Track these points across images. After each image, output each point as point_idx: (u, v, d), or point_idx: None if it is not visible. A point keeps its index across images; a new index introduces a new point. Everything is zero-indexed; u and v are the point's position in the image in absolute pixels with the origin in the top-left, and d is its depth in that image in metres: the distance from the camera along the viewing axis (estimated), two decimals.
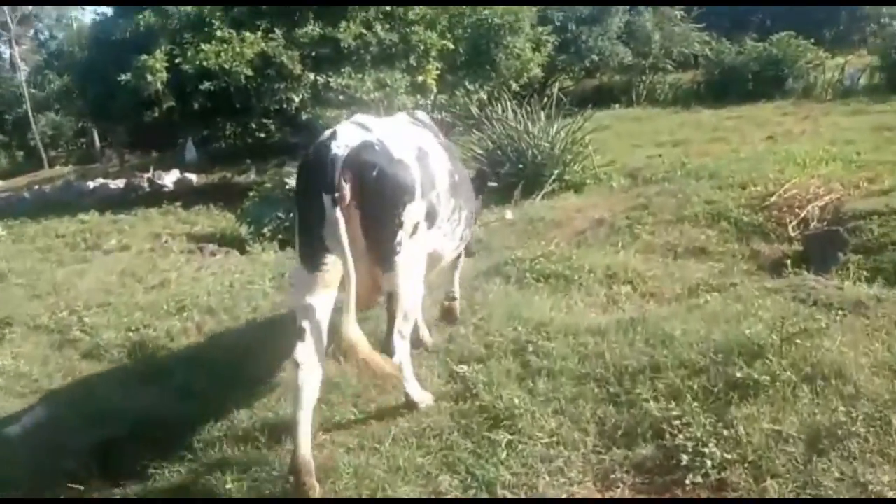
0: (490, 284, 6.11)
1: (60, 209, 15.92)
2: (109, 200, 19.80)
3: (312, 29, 14.52)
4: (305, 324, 3.51)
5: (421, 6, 15.88)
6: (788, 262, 6.17)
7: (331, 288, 3.55)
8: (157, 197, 18.83)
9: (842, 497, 2.86)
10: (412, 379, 4.05)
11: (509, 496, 3.16)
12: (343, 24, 14.61)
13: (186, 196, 17.26)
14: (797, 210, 8.65)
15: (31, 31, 47.05)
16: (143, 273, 8.78)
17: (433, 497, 3.21)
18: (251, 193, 12.61)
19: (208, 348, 5.12)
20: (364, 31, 15.02)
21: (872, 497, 2.83)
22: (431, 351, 4.68)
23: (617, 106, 27.55)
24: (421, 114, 4.97)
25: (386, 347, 3.91)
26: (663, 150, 17.93)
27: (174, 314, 6.43)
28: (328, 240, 3.43)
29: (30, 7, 42.70)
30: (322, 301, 3.55)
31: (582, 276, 5.92)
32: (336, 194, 3.34)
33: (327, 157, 3.44)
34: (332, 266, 3.47)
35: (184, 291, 7.24)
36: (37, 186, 26.10)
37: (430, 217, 3.83)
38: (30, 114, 39.63)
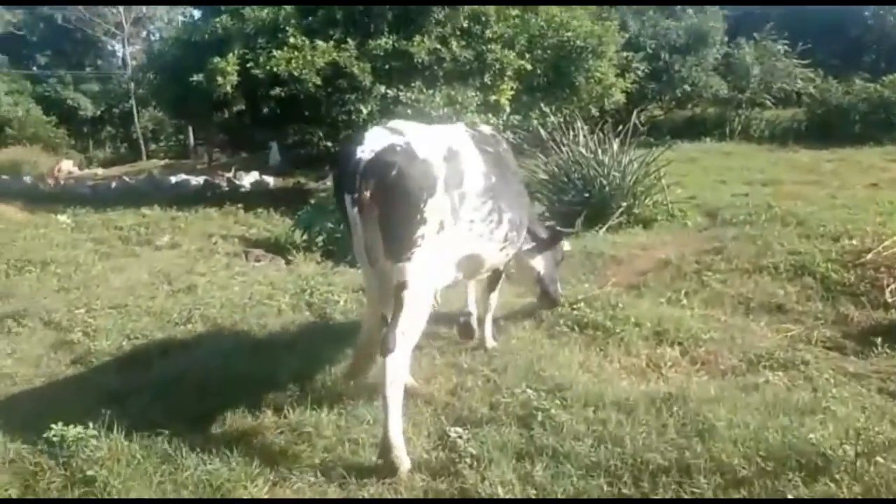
0: (518, 327, 5.40)
1: (135, 200, 16.26)
2: (185, 196, 20.16)
3: (386, 42, 14.24)
4: (385, 312, 3.78)
5: (499, 25, 15.35)
6: (880, 337, 5.12)
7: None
8: (232, 196, 18.95)
9: None
10: (396, 418, 3.54)
11: None
12: (417, 38, 14.25)
13: (261, 198, 17.35)
14: None
15: (144, 32, 49.90)
16: (177, 274, 8.55)
17: None
18: (312, 201, 12.37)
19: (185, 377, 4.58)
20: (439, 46, 14.61)
21: None
22: (426, 402, 4.01)
23: (708, 139, 26.25)
24: (485, 127, 5.13)
25: (384, 343, 3.61)
26: (751, 188, 16.63)
27: (180, 324, 6.05)
28: (356, 235, 3.70)
29: (143, 8, 45.24)
30: (387, 291, 3.79)
31: (625, 330, 5.10)
32: (356, 195, 3.57)
33: (351, 160, 3.67)
34: (375, 258, 3.73)
35: (204, 299, 6.89)
36: (126, 178, 27.24)
37: (456, 216, 3.88)
38: (134, 108, 41.86)
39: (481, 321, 5.10)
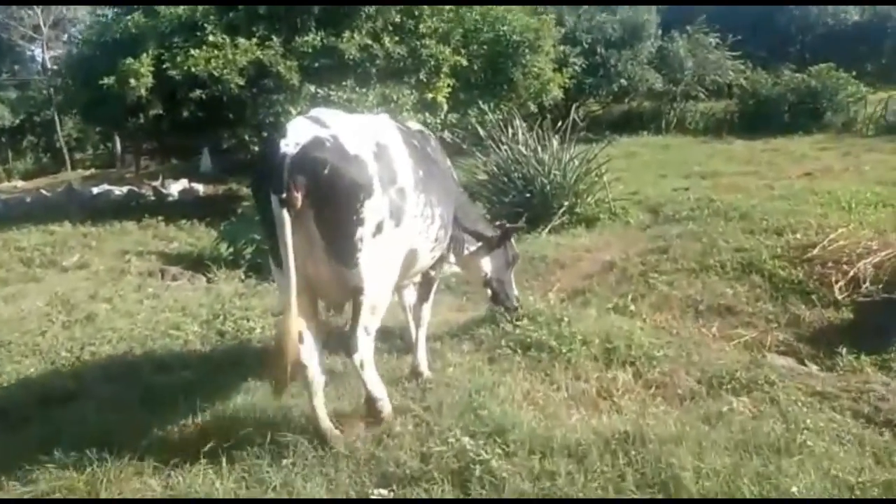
0: (456, 351, 4.85)
1: (44, 217, 15.01)
2: (106, 208, 18.96)
3: (314, 38, 13.46)
4: (301, 325, 3.57)
5: (433, 20, 14.77)
6: (841, 344, 4.79)
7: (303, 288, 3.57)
8: (158, 206, 17.93)
9: None
10: (375, 380, 3.87)
11: None
12: (347, 34, 13.53)
13: (189, 207, 16.34)
14: (845, 267, 7.24)
15: (65, 35, 47.26)
16: (78, 300, 7.67)
17: None
18: (240, 211, 11.51)
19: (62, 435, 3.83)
20: (370, 42, 13.93)
21: None
22: (346, 454, 3.40)
23: (646, 133, 26.44)
24: (412, 122, 4.89)
25: (348, 343, 3.74)
26: (690, 181, 16.62)
27: (67, 365, 5.23)
28: (283, 239, 3.36)
29: (63, 9, 42.77)
30: (305, 300, 3.61)
31: (572, 350, 4.61)
32: (284, 195, 3.29)
33: (276, 156, 3.37)
34: (300, 265, 3.47)
35: (102, 331, 6.10)
36: (44, 190, 25.51)
37: (396, 214, 3.72)
38: (55, 116, 39.53)
39: (414, 342, 4.73)
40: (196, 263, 10.58)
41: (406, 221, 3.81)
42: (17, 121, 41.85)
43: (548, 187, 10.92)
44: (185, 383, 4.64)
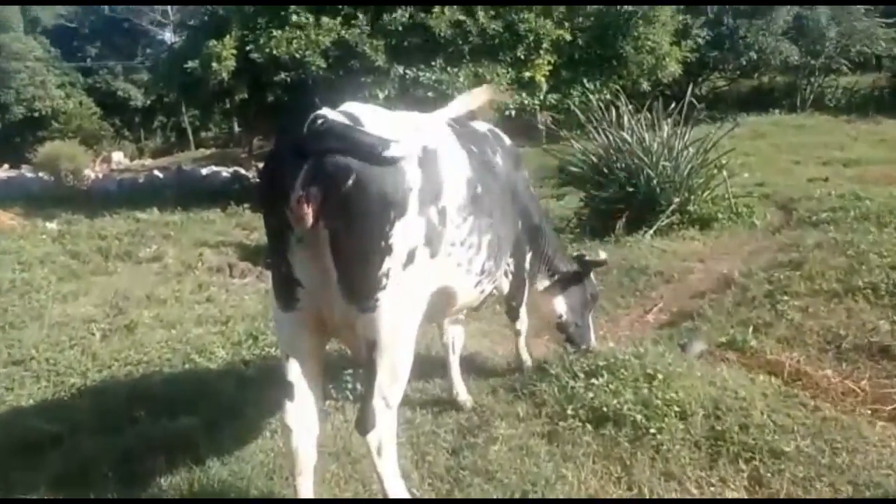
0: (507, 416, 3.75)
1: (144, 200, 15.21)
2: (210, 190, 19.31)
3: (402, 15, 12.54)
4: (292, 377, 2.91)
5: None
6: None
7: (314, 329, 2.94)
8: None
9: None
10: (394, 474, 2.95)
11: None
12: (437, 9, 12.49)
13: None
14: None
15: (192, 20, 49.44)
16: (131, 302, 7.25)
17: None
18: None
19: None
20: (462, 17, 12.81)
21: None
22: None
23: (777, 111, 23.81)
24: (480, 123, 3.99)
25: (361, 419, 2.90)
26: (830, 170, 14.38)
27: (67, 400, 4.61)
28: (295, 268, 2.78)
29: None
30: (307, 346, 2.95)
31: (664, 429, 3.37)
32: (293, 211, 2.59)
33: (287, 160, 2.68)
34: (308, 302, 2.83)
35: (124, 350, 5.53)
36: (155, 171, 26.60)
37: (432, 241, 2.90)
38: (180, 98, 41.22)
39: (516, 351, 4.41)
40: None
41: (443, 251, 2.98)
42: (149, 102, 44.43)
43: (654, 181, 9.40)
44: (181, 434, 3.86)
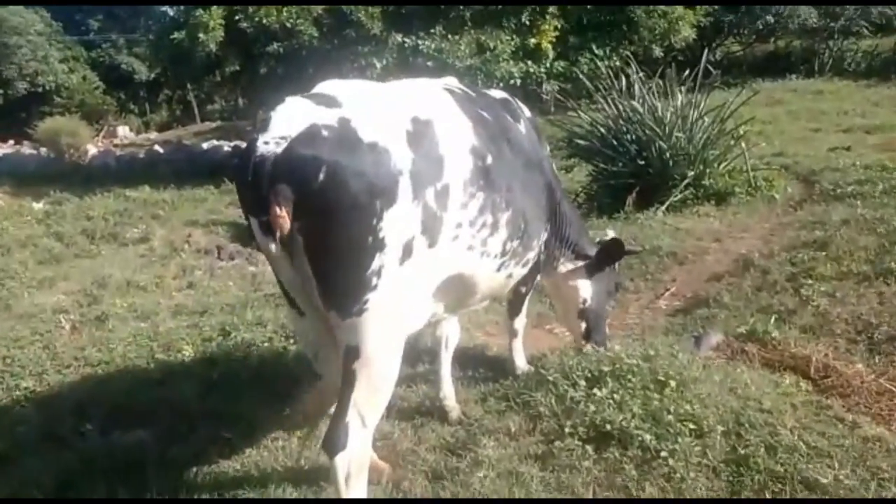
0: (494, 432, 3.28)
1: (139, 177, 14.79)
2: (207, 165, 18.91)
3: None
4: (323, 372, 2.74)
5: None
6: None
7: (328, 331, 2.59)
8: None
9: None
10: (358, 484, 2.56)
11: None
12: None
13: None
14: None
15: None
16: (107, 291, 6.82)
17: None
18: None
19: None
20: None
21: None
22: None
23: (794, 77, 22.94)
24: (496, 91, 3.67)
25: (330, 438, 2.54)
26: (852, 138, 13.66)
27: (14, 409, 4.17)
28: (285, 275, 2.52)
29: None
30: (329, 349, 2.64)
31: (677, 451, 2.88)
32: (265, 218, 2.28)
33: (251, 160, 2.30)
34: (310, 307, 2.58)
35: (94, 347, 5.07)
36: (157, 146, 26.15)
37: (431, 227, 2.55)
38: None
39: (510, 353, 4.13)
40: None
41: (447, 235, 2.63)
42: (153, 75, 43.81)
43: (667, 153, 8.81)
44: (129, 451, 3.43)
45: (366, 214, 2.35)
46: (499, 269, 3.07)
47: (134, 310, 6.07)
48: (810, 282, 5.81)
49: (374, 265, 2.41)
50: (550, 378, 3.56)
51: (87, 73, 42.80)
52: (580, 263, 4.02)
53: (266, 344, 4.63)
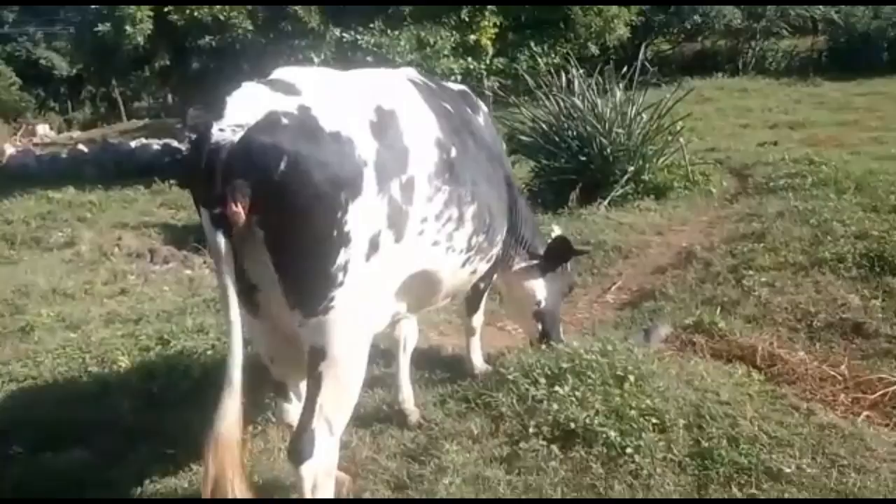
0: (457, 435, 3.19)
1: (62, 178, 13.97)
2: (136, 165, 18.17)
3: None
4: (278, 376, 2.68)
5: None
6: None
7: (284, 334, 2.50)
8: None
9: None
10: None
11: None
12: None
13: None
14: None
15: None
16: (31, 298, 6.39)
17: None
18: None
19: None
20: None
21: None
22: None
23: (720, 75, 23.81)
24: (453, 84, 3.73)
25: (296, 446, 2.41)
26: (777, 134, 14.29)
27: None
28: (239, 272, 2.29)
29: None
30: (285, 351, 2.56)
31: (641, 448, 2.86)
32: (218, 210, 2.13)
33: (203, 148, 2.16)
34: (267, 307, 2.44)
35: (20, 362, 4.69)
36: (80, 145, 24.89)
37: (397, 221, 2.45)
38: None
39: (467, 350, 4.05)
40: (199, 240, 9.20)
41: (412, 230, 2.55)
42: (75, 71, 41.56)
43: (608, 149, 8.92)
44: (65, 473, 3.18)
45: (330, 207, 2.23)
46: (463, 265, 3.00)
47: (62, 319, 5.68)
48: (751, 273, 5.97)
49: (340, 260, 2.30)
50: (510, 377, 3.49)
51: (2, 69, 40.34)
52: (533, 262, 3.97)
53: (209, 352, 4.39)
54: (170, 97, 35.37)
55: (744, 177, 9.62)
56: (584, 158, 9.06)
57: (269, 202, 2.17)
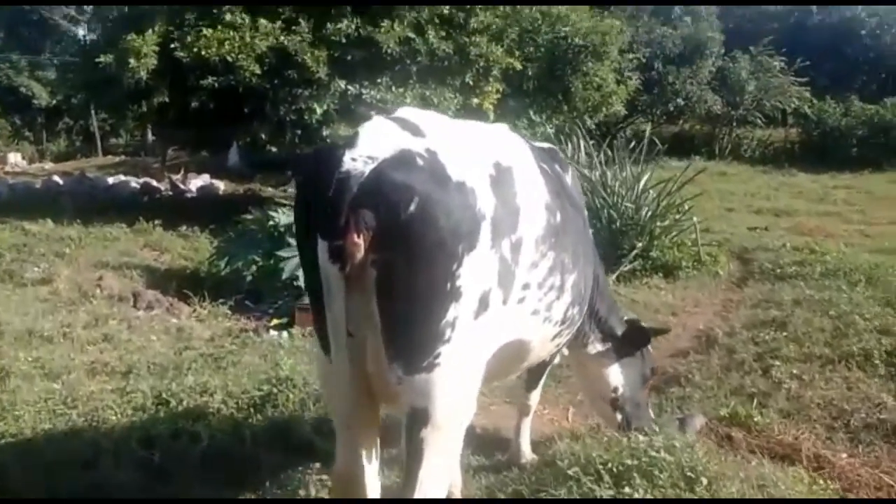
0: None
1: (37, 209, 13.29)
2: (116, 201, 17.72)
3: (348, 25, 11.54)
4: (341, 438, 2.38)
5: (486, 14, 12.75)
6: None
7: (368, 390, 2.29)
8: (171, 203, 16.73)
9: None
10: None
11: None
12: (387, 23, 11.59)
13: (204, 207, 14.70)
14: None
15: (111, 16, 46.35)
16: (12, 336, 5.84)
17: None
18: (238, 224, 9.57)
19: None
20: (412, 35, 11.97)
21: None
22: None
23: (697, 158, 24.38)
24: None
25: None
26: (764, 220, 14.45)
27: None
28: (340, 314, 2.12)
29: None
30: (359, 405, 2.29)
31: None
32: (339, 242, 2.01)
33: (333, 174, 2.05)
34: (357, 355, 2.21)
35: None
36: (55, 177, 24.17)
37: (506, 282, 2.30)
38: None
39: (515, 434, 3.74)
40: (189, 282, 8.68)
41: (515, 295, 2.40)
42: (54, 102, 40.81)
43: (617, 222, 8.83)
44: None
45: (448, 256, 2.12)
46: (553, 339, 2.85)
47: (41, 366, 5.12)
48: (777, 363, 5.77)
49: (450, 315, 2.17)
50: (570, 472, 3.12)
51: None
52: (608, 345, 3.66)
53: (215, 416, 3.93)
54: (149, 135, 34.91)
55: (746, 260, 9.57)
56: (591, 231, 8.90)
57: (390, 241, 2.06)
